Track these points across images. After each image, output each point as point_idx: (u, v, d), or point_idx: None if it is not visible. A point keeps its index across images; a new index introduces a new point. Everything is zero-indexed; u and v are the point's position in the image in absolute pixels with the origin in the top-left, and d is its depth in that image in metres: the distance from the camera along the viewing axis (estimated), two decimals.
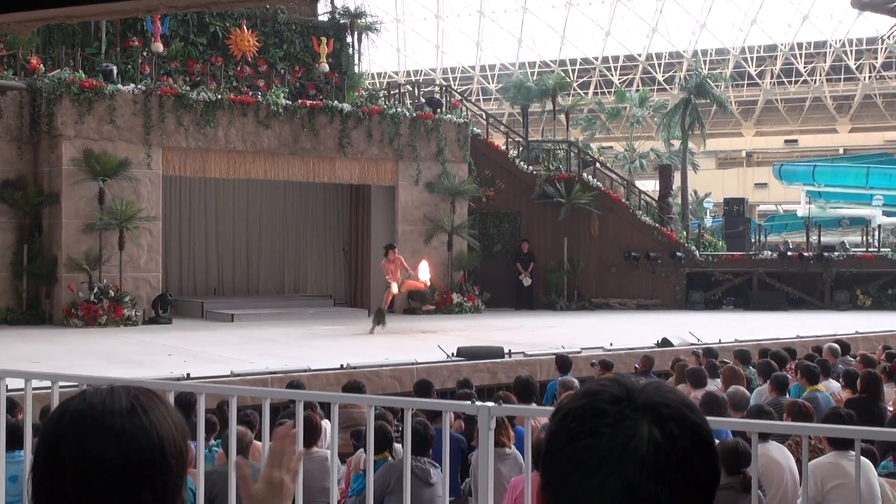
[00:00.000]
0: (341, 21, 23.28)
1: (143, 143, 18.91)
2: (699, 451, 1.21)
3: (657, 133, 42.21)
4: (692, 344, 14.78)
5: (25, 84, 18.60)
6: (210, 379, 10.73)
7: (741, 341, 15.30)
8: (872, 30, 49.12)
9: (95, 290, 17.90)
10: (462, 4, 58.56)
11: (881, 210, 35.63)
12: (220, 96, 19.57)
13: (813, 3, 54.20)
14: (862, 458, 4.25)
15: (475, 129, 24.78)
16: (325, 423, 7.20)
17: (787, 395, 8.87)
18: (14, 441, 5.17)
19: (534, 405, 8.45)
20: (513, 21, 58.73)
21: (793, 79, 56.98)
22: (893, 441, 6.45)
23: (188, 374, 10.96)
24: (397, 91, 26.24)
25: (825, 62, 56.40)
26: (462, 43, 59.99)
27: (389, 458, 6.60)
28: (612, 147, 46.29)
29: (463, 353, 13.74)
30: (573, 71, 55.51)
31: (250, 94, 20.34)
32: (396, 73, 57.12)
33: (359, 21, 23.30)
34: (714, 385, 9.89)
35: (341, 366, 12.43)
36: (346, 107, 21.15)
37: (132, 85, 18.91)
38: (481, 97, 56.94)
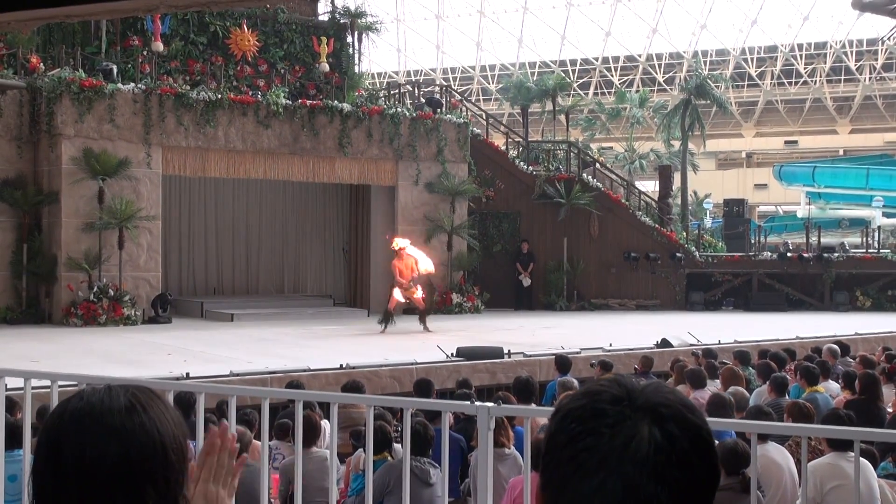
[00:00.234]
0: (341, 21, 23.28)
1: (142, 143, 18.91)
2: (699, 451, 1.21)
3: (657, 134, 42.22)
4: (692, 345, 14.79)
5: (25, 83, 18.60)
6: (209, 378, 10.73)
7: (741, 342, 15.31)
8: (873, 31, 49.10)
9: (95, 289, 17.89)
10: (462, 4, 58.61)
11: (881, 211, 35.64)
12: (220, 96, 19.57)
13: (813, 3, 54.24)
14: (861, 459, 4.25)
15: (475, 129, 24.79)
16: (325, 423, 7.21)
17: (787, 396, 8.87)
18: (13, 440, 5.17)
19: (533, 405, 8.45)
20: (513, 21, 58.79)
21: (793, 80, 56.99)
22: (893, 442, 6.45)
23: (187, 374, 10.96)
24: (397, 91, 26.24)
25: (825, 63, 56.41)
26: (462, 43, 60.05)
27: (389, 459, 6.60)
28: (611, 147, 46.29)
29: (462, 353, 13.74)
30: (573, 71, 55.51)
31: (250, 93, 20.34)
32: (396, 73, 57.13)
33: (359, 21, 23.30)
34: (713, 386, 9.90)
35: (341, 366, 12.44)
36: (346, 107, 21.15)
37: (132, 84, 18.91)
38: (481, 97, 56.94)
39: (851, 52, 55.83)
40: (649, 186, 33.56)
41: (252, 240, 23.25)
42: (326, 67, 22.21)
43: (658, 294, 24.66)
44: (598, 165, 28.11)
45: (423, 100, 24.52)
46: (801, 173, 40.51)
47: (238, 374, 11.44)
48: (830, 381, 10.30)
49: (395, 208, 22.25)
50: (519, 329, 18.40)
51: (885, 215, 36.55)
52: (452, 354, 13.71)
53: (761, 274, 24.93)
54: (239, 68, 21.31)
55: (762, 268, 25.07)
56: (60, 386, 4.44)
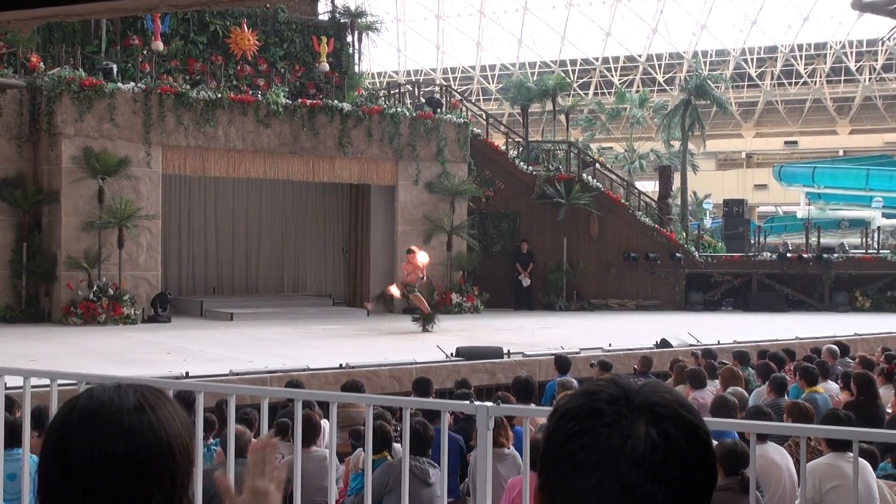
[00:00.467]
0: (341, 20, 23.28)
1: (142, 142, 18.91)
2: (696, 451, 1.21)
3: (657, 134, 42.22)
4: (691, 345, 14.79)
5: (25, 82, 18.60)
6: (209, 378, 10.73)
7: (740, 342, 15.32)
8: (873, 31, 49.10)
9: (95, 288, 17.90)
10: (462, 4, 58.61)
11: (881, 212, 35.65)
12: (219, 95, 19.58)
13: (813, 4, 54.24)
14: (860, 459, 4.25)
15: (475, 129, 24.79)
16: (324, 423, 7.21)
17: (786, 397, 8.87)
18: (13, 439, 5.17)
19: (532, 405, 8.45)
20: (513, 21, 58.79)
21: (793, 80, 57.00)
22: (891, 443, 6.46)
23: (187, 373, 10.96)
24: (397, 91, 26.24)
25: (825, 64, 56.41)
26: (462, 43, 60.05)
27: (389, 458, 6.60)
28: (611, 148, 46.30)
29: (462, 353, 13.74)
30: (573, 71, 55.52)
31: (250, 93, 20.34)
32: (396, 73, 57.13)
33: (359, 20, 23.30)
34: (713, 386, 9.90)
35: (340, 365, 12.43)
36: (346, 106, 21.15)
37: (132, 83, 18.91)
38: (481, 97, 56.94)
39: (851, 53, 55.83)
40: (649, 187, 33.58)
41: (252, 239, 23.26)
42: (326, 67, 22.22)
43: (657, 294, 24.67)
44: (597, 165, 28.12)
45: (423, 100, 24.52)
46: (801, 174, 40.53)
47: (237, 374, 11.44)
48: (830, 381, 10.30)
49: (394, 208, 22.26)
50: (518, 329, 18.40)
51: (885, 216, 36.55)
52: (452, 354, 13.72)
53: (761, 274, 24.94)
54: (239, 68, 21.31)
55: (762, 268, 25.08)
56: (60, 385, 4.44)
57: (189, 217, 22.45)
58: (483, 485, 3.92)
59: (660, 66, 58.26)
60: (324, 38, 22.27)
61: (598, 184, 25.44)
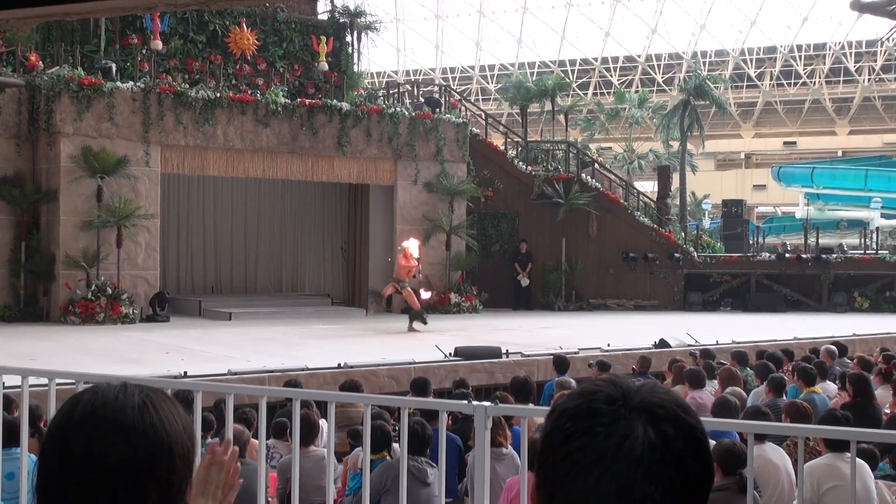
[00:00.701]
0: (341, 20, 23.27)
1: (141, 141, 18.90)
2: (693, 451, 1.21)
3: (656, 134, 42.23)
4: (689, 345, 14.80)
5: (24, 81, 18.58)
6: (207, 377, 10.73)
7: (738, 343, 15.31)
8: (872, 32, 49.14)
9: (93, 287, 17.89)
10: (462, 4, 58.61)
11: (879, 212, 35.66)
12: (219, 94, 19.57)
13: (812, 4, 54.27)
14: (858, 459, 4.25)
15: (474, 129, 24.79)
16: (323, 422, 7.21)
17: (784, 397, 8.88)
18: (11, 438, 5.17)
19: (531, 405, 8.45)
20: (513, 21, 58.80)
21: (792, 81, 57.02)
22: (890, 443, 6.46)
23: (185, 373, 10.95)
24: (396, 91, 26.24)
25: (824, 64, 56.44)
26: (462, 43, 60.06)
27: (388, 458, 6.60)
28: (610, 148, 46.29)
29: (460, 353, 13.74)
30: (572, 71, 55.51)
31: (249, 92, 20.34)
32: (396, 73, 57.12)
33: (358, 20, 23.29)
34: (711, 386, 9.91)
35: (338, 365, 12.43)
36: (345, 106, 21.15)
37: (131, 82, 18.91)
38: (480, 97, 56.94)
39: (850, 54, 55.86)
40: (648, 187, 33.58)
41: (250, 239, 23.25)
42: (325, 66, 22.21)
43: (656, 294, 24.68)
44: (596, 166, 28.12)
45: (422, 99, 24.53)
46: (800, 174, 40.54)
47: (236, 373, 11.44)
48: (828, 381, 10.31)
49: (393, 208, 22.25)
50: (517, 329, 18.40)
51: (884, 216, 36.57)
52: (450, 354, 13.72)
53: (759, 274, 24.95)
54: (238, 67, 21.31)
55: (760, 268, 25.09)
56: (58, 384, 4.44)
57: (188, 216, 22.44)
58: (481, 484, 3.92)
59: (659, 66, 58.27)
60: (323, 38, 22.27)
61: (597, 184, 25.44)
